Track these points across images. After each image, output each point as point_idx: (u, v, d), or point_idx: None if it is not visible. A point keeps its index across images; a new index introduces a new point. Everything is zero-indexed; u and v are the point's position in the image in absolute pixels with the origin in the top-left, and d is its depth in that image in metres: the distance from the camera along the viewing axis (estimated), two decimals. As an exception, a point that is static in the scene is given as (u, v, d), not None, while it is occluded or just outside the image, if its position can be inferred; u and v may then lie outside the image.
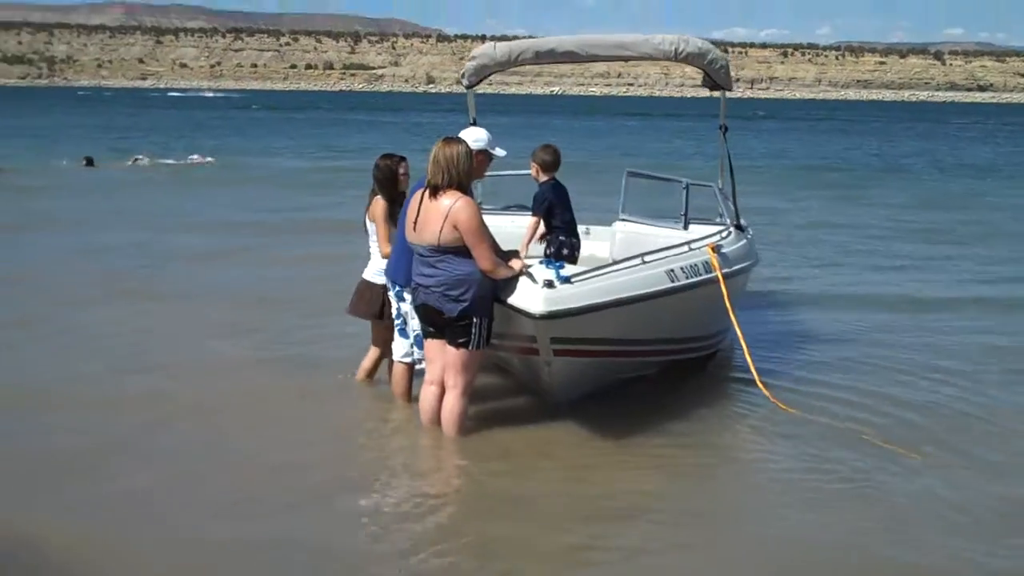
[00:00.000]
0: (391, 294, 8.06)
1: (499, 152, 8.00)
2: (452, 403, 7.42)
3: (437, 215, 7.12)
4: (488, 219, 7.48)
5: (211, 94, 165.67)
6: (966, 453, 7.56)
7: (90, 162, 30.04)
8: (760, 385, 8.53)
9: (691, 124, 75.06)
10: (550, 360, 7.45)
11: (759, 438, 7.98)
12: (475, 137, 7.83)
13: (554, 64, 10.78)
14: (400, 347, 8.13)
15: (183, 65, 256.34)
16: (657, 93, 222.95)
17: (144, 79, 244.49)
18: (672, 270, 8.04)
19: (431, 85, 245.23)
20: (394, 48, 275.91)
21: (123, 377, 8.98)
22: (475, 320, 7.22)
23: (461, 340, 7.26)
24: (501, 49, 9.48)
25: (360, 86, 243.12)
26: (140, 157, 32.56)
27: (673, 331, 8.61)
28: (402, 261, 7.60)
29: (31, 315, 11.23)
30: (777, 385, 8.84)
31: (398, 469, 7.27)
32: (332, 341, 10.03)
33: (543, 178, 9.04)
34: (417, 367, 8.02)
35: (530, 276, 7.18)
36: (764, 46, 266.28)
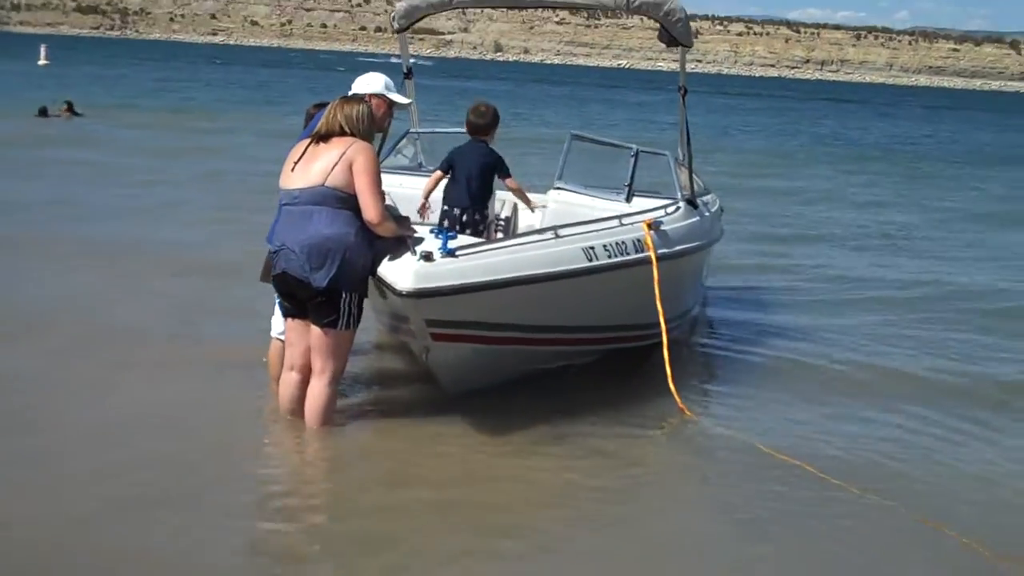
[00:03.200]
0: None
1: (398, 98, 7.03)
2: (318, 392, 6.41)
3: (330, 154, 6.18)
4: (397, 178, 6.79)
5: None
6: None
7: (43, 112, 27.93)
8: (672, 388, 7.23)
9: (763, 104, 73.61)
10: (428, 345, 6.44)
11: (660, 450, 7.04)
12: (369, 81, 6.92)
13: (497, 8, 9.86)
14: (279, 323, 7.11)
15: (254, 23, 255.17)
16: (725, 71, 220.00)
17: (215, 35, 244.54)
18: (592, 247, 6.93)
19: (499, 53, 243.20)
20: (464, 14, 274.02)
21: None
22: (344, 295, 6.20)
23: (328, 319, 6.24)
24: None
25: (428, 51, 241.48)
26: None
27: (593, 318, 7.50)
28: (282, 225, 6.58)
29: None
30: (700, 389, 7.98)
31: (246, 466, 6.19)
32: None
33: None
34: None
35: (411, 246, 6.19)
36: (837, 27, 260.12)
